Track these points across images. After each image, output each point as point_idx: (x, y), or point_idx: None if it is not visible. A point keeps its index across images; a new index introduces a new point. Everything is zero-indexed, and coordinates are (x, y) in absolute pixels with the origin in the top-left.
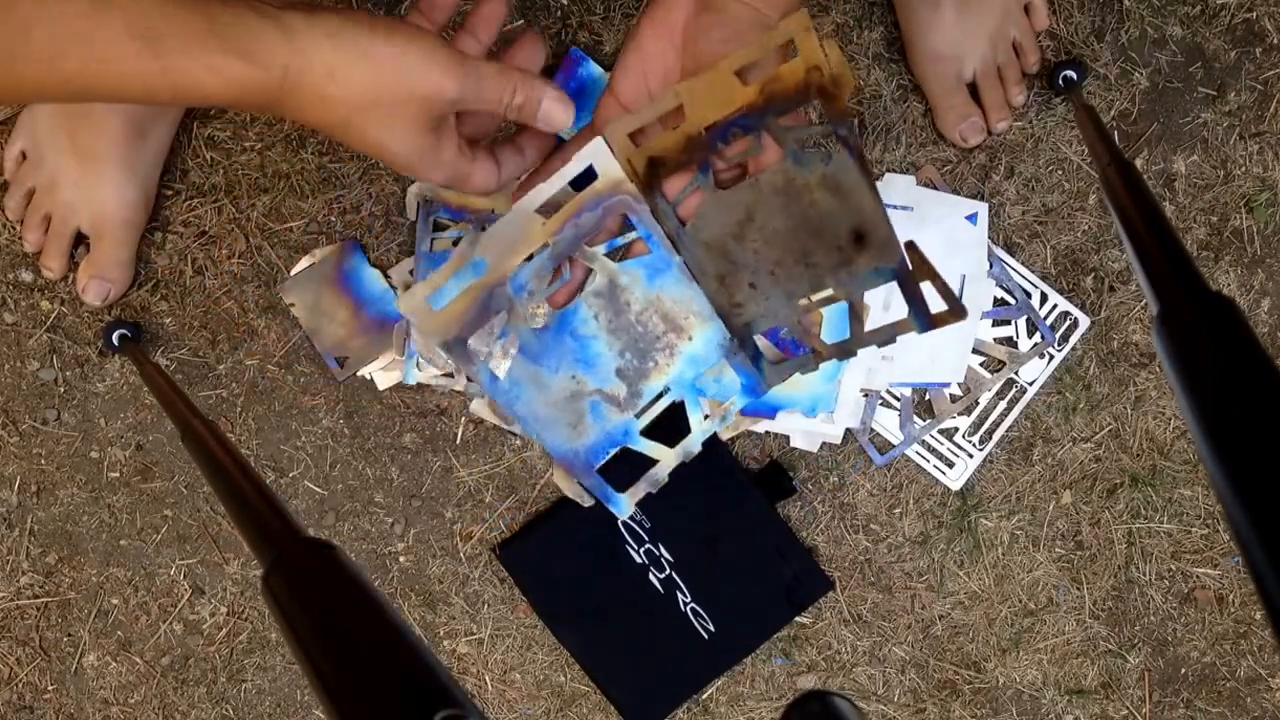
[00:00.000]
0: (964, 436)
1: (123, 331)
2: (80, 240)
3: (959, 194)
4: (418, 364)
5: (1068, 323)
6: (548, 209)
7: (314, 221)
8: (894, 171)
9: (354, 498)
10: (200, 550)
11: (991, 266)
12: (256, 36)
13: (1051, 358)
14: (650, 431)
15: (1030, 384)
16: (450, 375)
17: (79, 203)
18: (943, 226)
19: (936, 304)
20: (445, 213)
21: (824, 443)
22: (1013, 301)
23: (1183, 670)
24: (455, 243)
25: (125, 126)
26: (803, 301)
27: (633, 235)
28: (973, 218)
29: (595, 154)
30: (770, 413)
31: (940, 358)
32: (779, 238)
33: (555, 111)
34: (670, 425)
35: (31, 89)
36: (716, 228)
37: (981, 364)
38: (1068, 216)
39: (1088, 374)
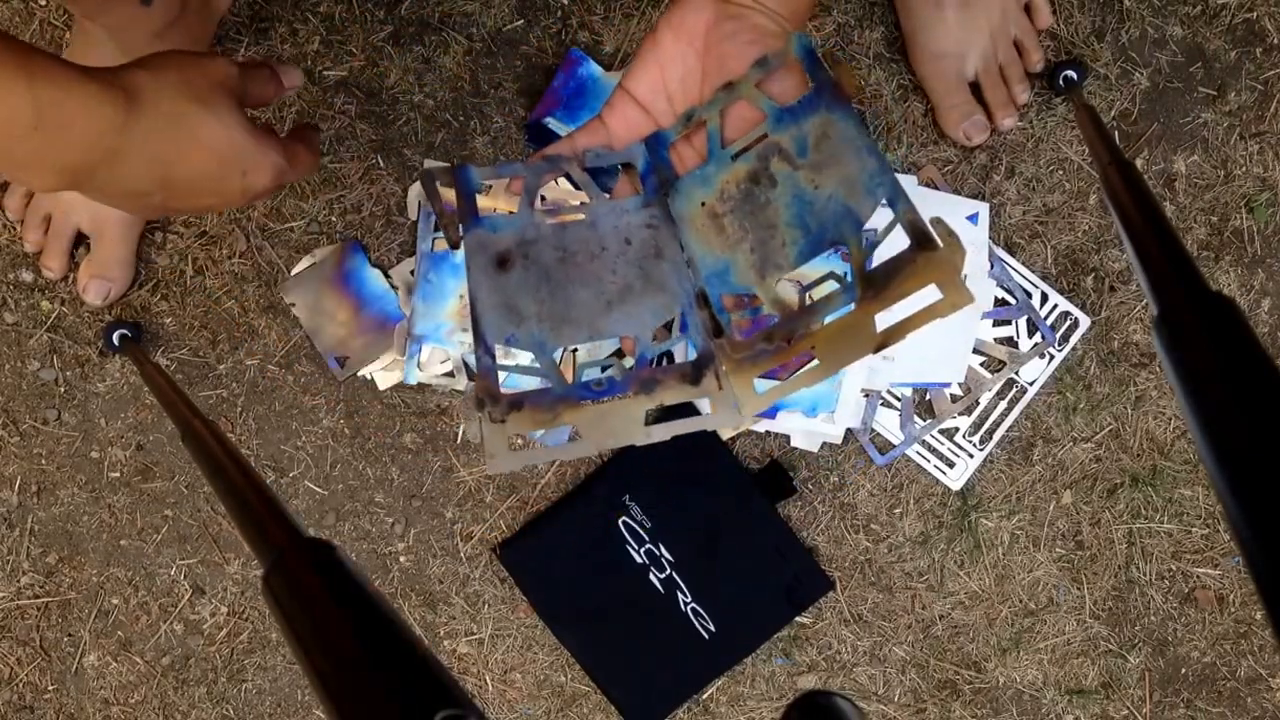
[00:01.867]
0: (964, 436)
1: (123, 331)
2: (80, 240)
3: (960, 194)
4: (418, 364)
5: (1068, 323)
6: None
7: (314, 221)
8: (895, 171)
9: (354, 498)
10: (200, 550)
11: (992, 266)
12: (114, 71)
13: (1052, 358)
14: None
15: (1031, 384)
16: (451, 375)
17: (79, 202)
18: None
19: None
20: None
21: (824, 443)
22: (1013, 301)
23: (1183, 670)
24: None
25: None
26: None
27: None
28: (974, 218)
29: (634, 154)
30: (770, 413)
31: (941, 358)
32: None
33: (290, 74)
34: None
35: None
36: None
37: (982, 364)
38: (1068, 216)
39: (1088, 374)
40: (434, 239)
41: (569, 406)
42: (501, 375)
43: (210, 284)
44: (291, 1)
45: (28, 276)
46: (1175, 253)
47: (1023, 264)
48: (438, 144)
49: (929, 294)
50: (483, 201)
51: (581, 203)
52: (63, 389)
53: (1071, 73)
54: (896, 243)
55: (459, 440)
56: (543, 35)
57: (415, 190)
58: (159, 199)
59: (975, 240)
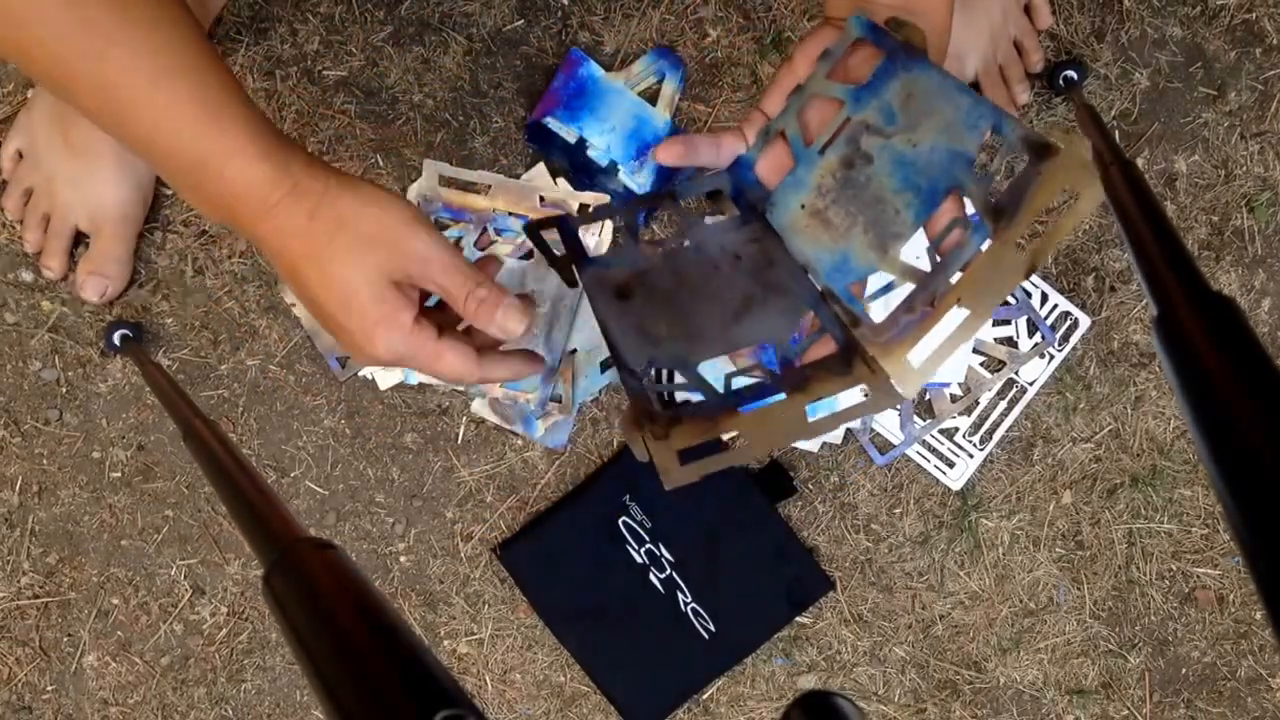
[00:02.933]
0: (964, 436)
1: (124, 331)
2: (80, 239)
3: None
4: None
5: (1068, 323)
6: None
7: None
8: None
9: (355, 498)
10: (201, 550)
11: None
12: (288, 154)
13: (1052, 358)
14: None
15: (1030, 384)
16: None
17: (76, 200)
18: None
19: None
20: (445, 212)
21: (825, 442)
22: (1013, 301)
23: (1183, 670)
24: (457, 242)
25: None
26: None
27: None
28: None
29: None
30: None
31: None
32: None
33: (511, 318)
34: None
35: (84, 86)
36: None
37: (982, 364)
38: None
39: (1088, 374)
40: None
41: (727, 415)
42: (655, 393)
43: (211, 284)
44: (291, 1)
45: (28, 276)
46: (1176, 252)
47: None
48: (437, 143)
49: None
50: (481, 201)
51: (679, 232)
52: (64, 389)
53: (1071, 73)
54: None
55: (460, 440)
56: (543, 35)
57: (415, 188)
58: (297, 291)
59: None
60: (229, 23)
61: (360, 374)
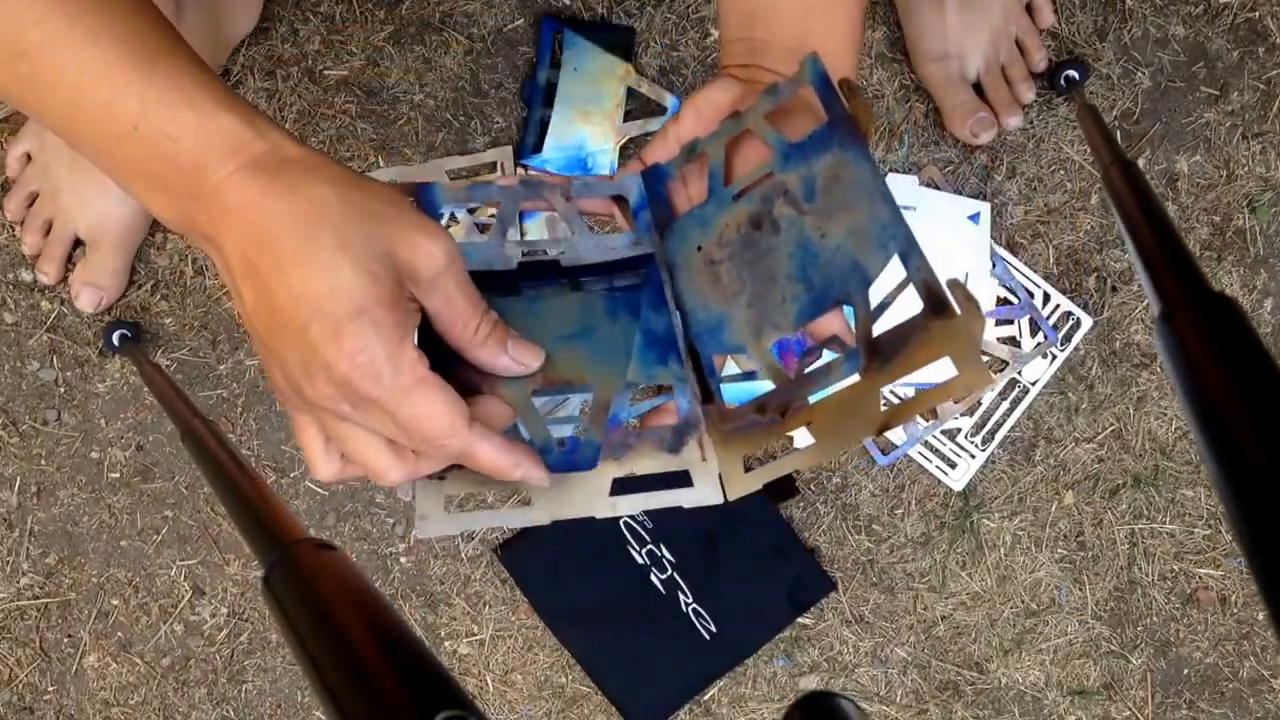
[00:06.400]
0: (966, 437)
1: (123, 331)
2: (79, 243)
3: (961, 194)
4: None
5: (1070, 323)
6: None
7: None
8: (897, 171)
9: (355, 498)
10: (200, 551)
11: (994, 266)
12: (254, 113)
13: (1054, 358)
14: None
15: (1033, 384)
16: None
17: (79, 210)
18: (945, 226)
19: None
20: None
21: None
22: (1015, 301)
23: (1185, 671)
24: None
25: None
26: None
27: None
28: (975, 217)
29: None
30: None
31: None
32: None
33: (527, 352)
34: None
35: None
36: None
37: (984, 364)
38: (1070, 216)
39: (1090, 374)
40: None
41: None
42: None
43: (210, 284)
44: (292, 1)
45: (27, 276)
46: (1177, 253)
47: (1025, 264)
48: (438, 144)
49: (942, 368)
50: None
51: (560, 238)
52: (62, 389)
53: (1073, 72)
54: (908, 307)
55: None
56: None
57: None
58: (252, 288)
59: (977, 240)
60: None
61: None
